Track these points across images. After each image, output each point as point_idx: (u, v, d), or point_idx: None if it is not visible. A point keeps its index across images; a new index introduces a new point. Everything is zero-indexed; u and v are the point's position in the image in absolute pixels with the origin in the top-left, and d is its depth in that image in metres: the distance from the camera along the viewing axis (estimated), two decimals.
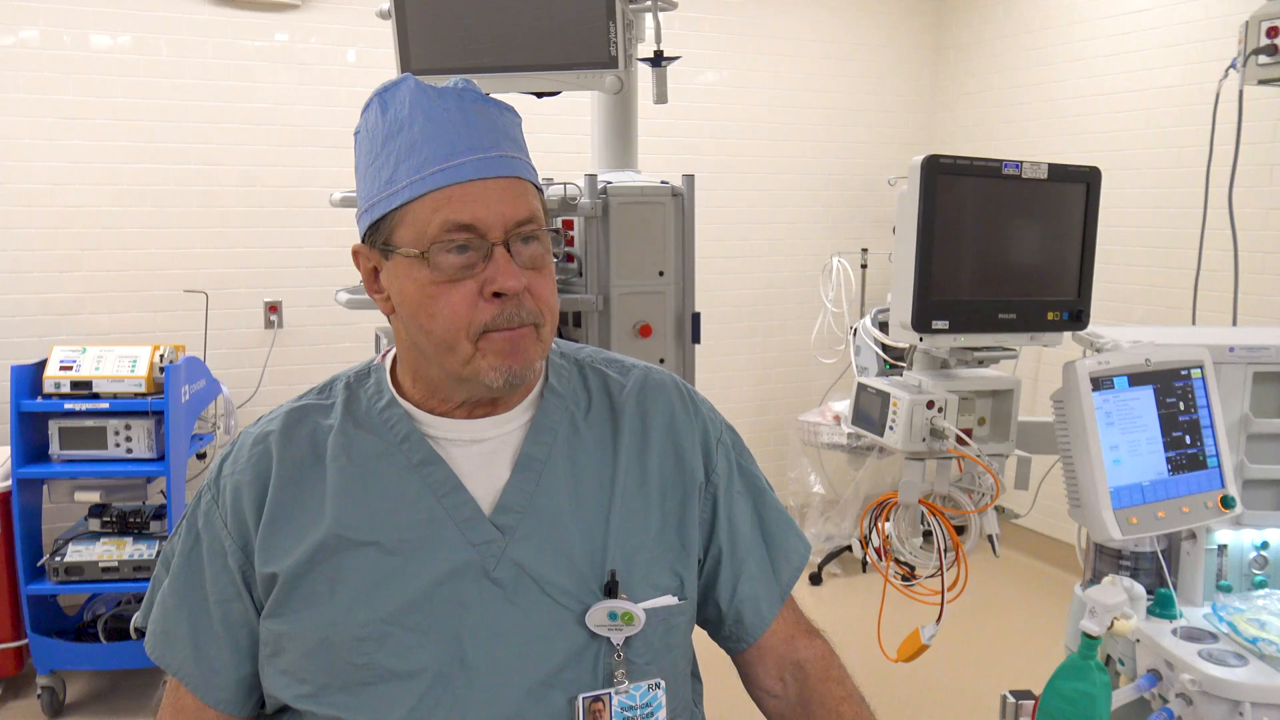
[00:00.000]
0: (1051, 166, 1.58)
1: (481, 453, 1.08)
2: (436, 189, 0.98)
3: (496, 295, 0.98)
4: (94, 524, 3.12)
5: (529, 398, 1.11)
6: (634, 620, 1.03)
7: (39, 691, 3.06)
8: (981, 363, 1.73)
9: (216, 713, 1.09)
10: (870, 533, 1.74)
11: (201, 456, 3.57)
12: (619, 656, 1.04)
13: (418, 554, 1.03)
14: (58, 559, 3.00)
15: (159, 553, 3.02)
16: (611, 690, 1.04)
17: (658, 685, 1.06)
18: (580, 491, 1.08)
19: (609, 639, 1.04)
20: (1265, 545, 1.65)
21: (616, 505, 1.08)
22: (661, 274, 2.33)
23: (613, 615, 1.03)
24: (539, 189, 1.06)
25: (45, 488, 3.18)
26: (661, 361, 2.32)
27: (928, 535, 1.68)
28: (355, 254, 1.08)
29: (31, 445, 3.05)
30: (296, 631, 1.03)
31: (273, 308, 3.88)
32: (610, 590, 1.04)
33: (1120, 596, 1.38)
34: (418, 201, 0.99)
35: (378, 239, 1.03)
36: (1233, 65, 2.47)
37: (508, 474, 1.07)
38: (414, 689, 1.00)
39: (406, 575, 1.02)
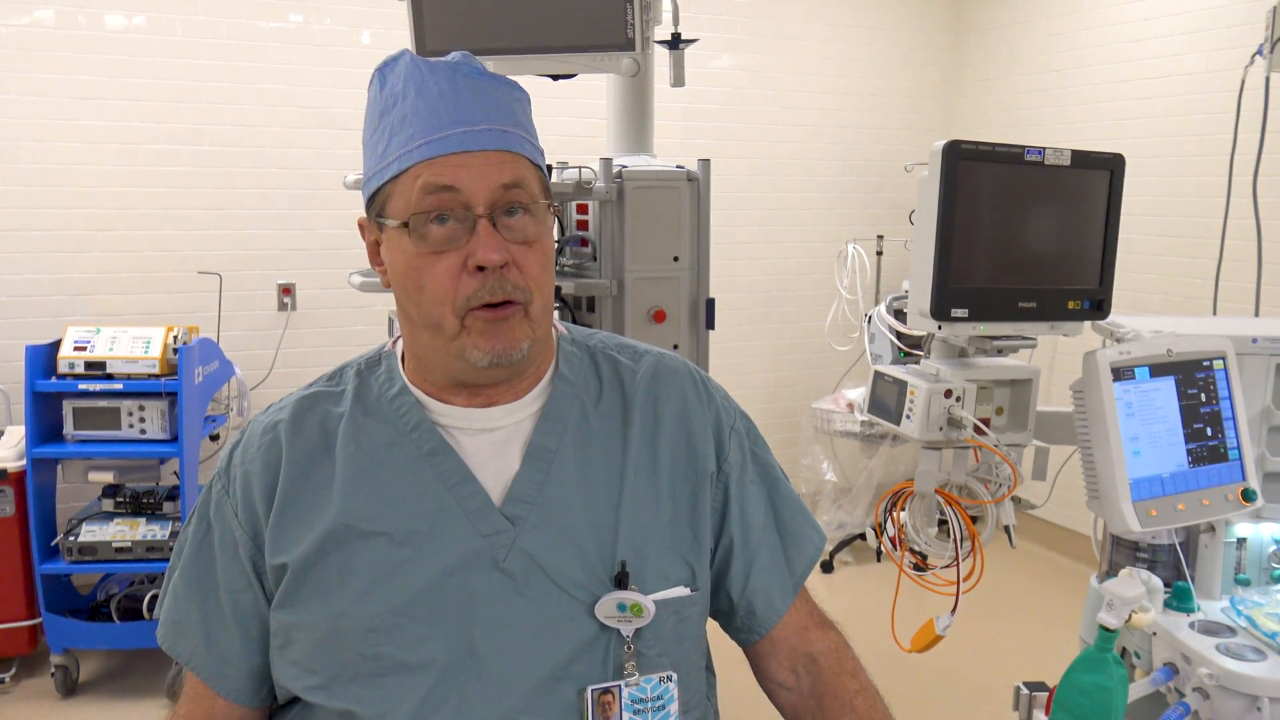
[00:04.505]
0: (1075, 153, 1.55)
1: (492, 442, 1.06)
2: (421, 161, 0.98)
3: (480, 269, 0.97)
4: (107, 504, 3.14)
5: (539, 386, 1.10)
6: (643, 612, 1.02)
7: (52, 670, 3.08)
8: (1000, 351, 1.71)
9: (226, 703, 1.08)
10: (885, 522, 1.73)
11: (215, 438, 3.58)
12: (629, 648, 1.03)
13: (427, 545, 1.02)
14: (71, 539, 3.02)
15: (172, 533, 3.04)
16: (621, 682, 1.02)
17: (669, 678, 1.05)
18: (590, 481, 1.07)
19: (619, 631, 1.03)
20: None
21: (627, 495, 1.07)
22: (676, 259, 2.32)
23: (621, 607, 1.02)
24: (539, 167, 1.05)
25: (59, 468, 3.20)
26: (675, 347, 2.31)
27: (943, 524, 1.66)
28: (360, 226, 1.08)
29: (46, 425, 3.06)
30: (306, 622, 1.02)
31: (286, 290, 3.88)
32: (620, 581, 1.03)
33: (1138, 589, 1.36)
34: (406, 174, 0.99)
35: (373, 212, 1.04)
36: (1259, 52, 2.43)
37: (518, 464, 1.06)
38: (424, 681, 0.99)
39: (416, 566, 1.01)
